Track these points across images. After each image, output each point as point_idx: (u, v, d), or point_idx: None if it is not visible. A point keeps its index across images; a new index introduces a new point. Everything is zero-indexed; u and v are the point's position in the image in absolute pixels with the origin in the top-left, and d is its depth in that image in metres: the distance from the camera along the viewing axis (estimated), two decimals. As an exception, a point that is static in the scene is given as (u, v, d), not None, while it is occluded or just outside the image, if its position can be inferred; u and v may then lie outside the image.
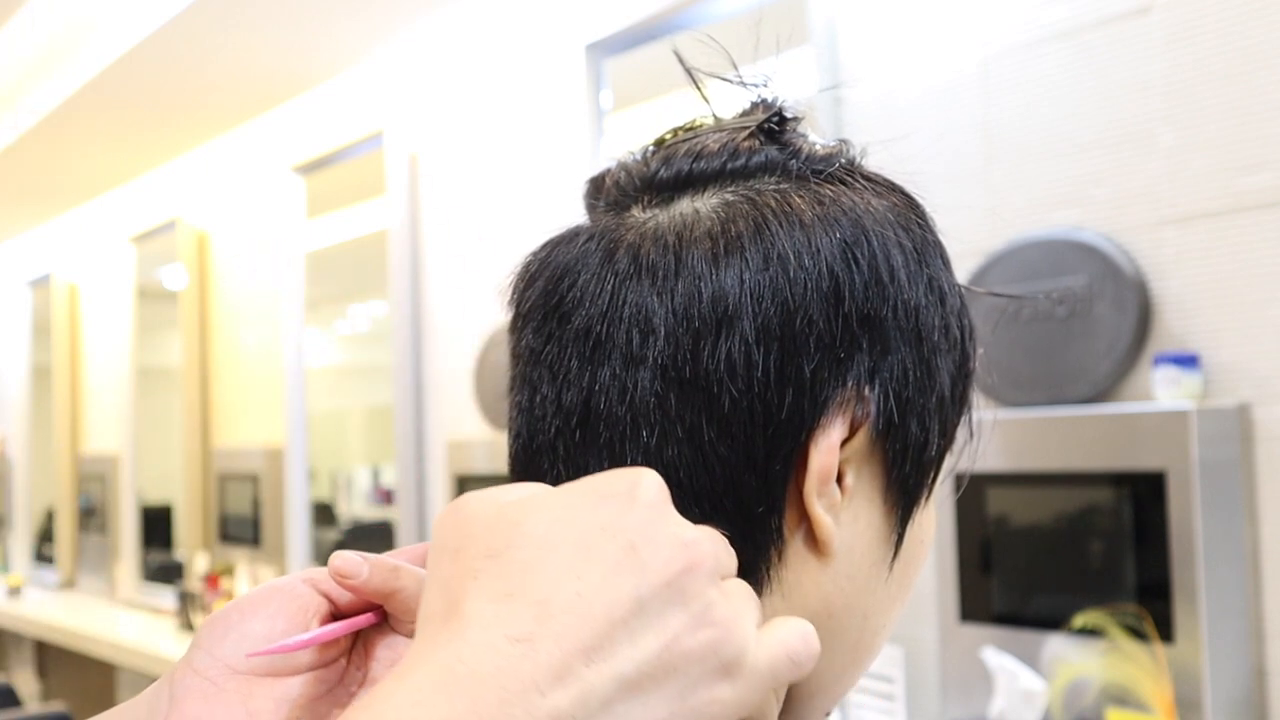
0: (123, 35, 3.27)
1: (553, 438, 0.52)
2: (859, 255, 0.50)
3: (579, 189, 0.58)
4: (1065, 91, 1.92)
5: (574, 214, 0.57)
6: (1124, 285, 1.81)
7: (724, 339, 0.48)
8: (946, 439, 0.54)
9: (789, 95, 0.55)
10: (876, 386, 0.50)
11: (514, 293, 0.55)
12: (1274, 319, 1.70)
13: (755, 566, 0.50)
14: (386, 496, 3.69)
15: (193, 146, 4.32)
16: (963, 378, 0.55)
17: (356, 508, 3.89)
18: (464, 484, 3.11)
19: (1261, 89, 1.70)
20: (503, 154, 3.09)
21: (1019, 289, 1.90)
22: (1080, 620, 1.72)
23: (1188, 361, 1.72)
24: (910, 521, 0.53)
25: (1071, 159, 1.91)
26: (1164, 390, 1.73)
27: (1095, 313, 1.83)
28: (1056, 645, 1.78)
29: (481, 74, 3.14)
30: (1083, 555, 1.79)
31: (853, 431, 0.50)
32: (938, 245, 0.54)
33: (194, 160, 4.45)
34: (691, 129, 0.56)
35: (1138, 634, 1.67)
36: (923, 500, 0.54)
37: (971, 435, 0.57)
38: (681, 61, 0.57)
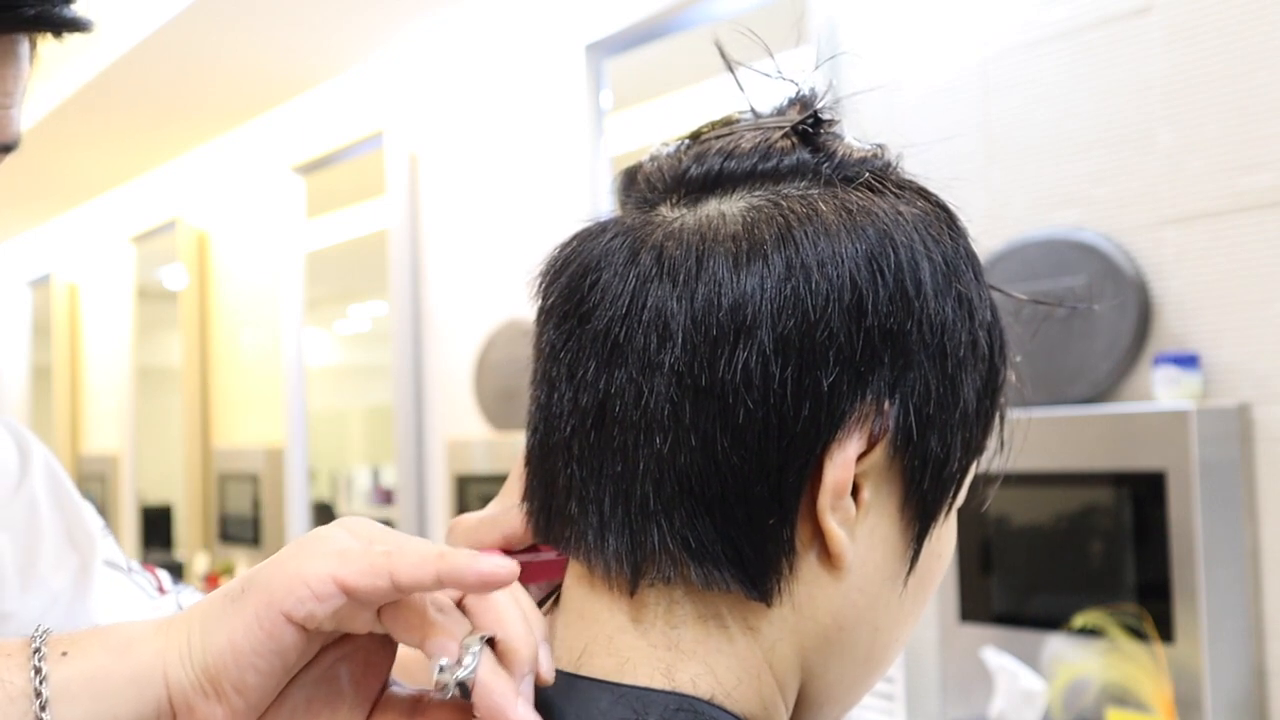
0: (123, 35, 3.27)
1: (568, 436, 0.51)
2: (884, 267, 0.48)
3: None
4: (1065, 91, 1.91)
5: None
6: (1124, 285, 1.80)
7: (741, 348, 0.47)
8: (969, 455, 0.53)
9: (827, 93, 0.54)
10: (896, 401, 0.49)
11: (540, 285, 0.55)
12: (1274, 319, 1.70)
13: (766, 578, 0.49)
14: (386, 496, 3.69)
15: (193, 146, 4.31)
16: (990, 393, 0.53)
17: (356, 507, 3.89)
18: (464, 483, 3.11)
19: (1261, 89, 1.70)
20: (503, 154, 3.08)
21: (1019, 289, 1.89)
22: (1080, 620, 1.72)
23: (1188, 361, 1.72)
24: (927, 537, 0.52)
25: (1071, 159, 1.91)
26: (1164, 390, 1.73)
27: (1095, 313, 1.83)
28: (1056, 645, 1.78)
29: (481, 74, 3.14)
30: (1083, 555, 1.79)
31: (871, 445, 0.49)
32: (970, 256, 0.52)
33: (194, 160, 4.45)
34: (728, 123, 0.54)
35: (1138, 634, 1.67)
36: (941, 516, 0.53)
37: (1002, 447, 0.55)
38: (722, 53, 0.55)
